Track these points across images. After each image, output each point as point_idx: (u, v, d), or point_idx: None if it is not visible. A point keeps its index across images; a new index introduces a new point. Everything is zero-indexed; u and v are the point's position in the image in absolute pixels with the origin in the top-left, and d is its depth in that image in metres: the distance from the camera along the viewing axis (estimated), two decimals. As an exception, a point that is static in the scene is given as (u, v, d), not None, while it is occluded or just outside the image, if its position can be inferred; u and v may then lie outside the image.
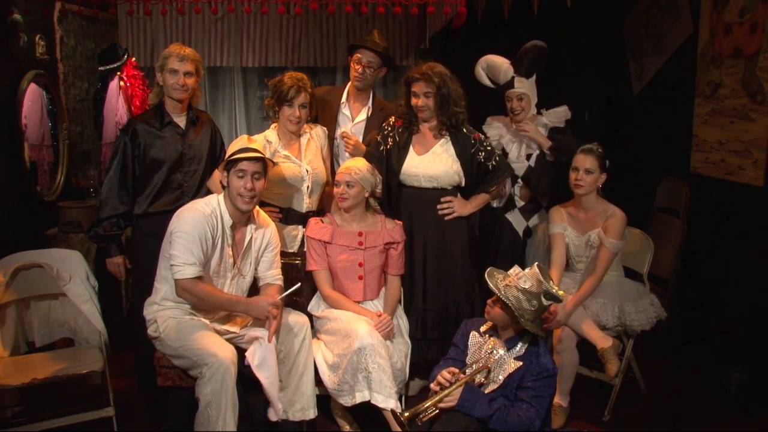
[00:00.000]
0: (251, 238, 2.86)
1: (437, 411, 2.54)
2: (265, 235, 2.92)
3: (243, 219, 2.83)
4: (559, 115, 3.53)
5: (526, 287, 2.54)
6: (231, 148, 2.84)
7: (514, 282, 2.56)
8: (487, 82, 3.59)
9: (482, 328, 2.72)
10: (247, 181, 2.71)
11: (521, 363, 2.55)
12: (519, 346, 2.59)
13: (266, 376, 2.68)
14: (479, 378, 2.61)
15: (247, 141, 2.86)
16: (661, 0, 4.65)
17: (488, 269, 2.64)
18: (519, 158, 3.52)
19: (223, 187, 2.80)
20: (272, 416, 2.77)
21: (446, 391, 2.52)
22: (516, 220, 3.57)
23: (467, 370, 2.63)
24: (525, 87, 3.47)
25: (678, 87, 4.43)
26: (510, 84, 3.47)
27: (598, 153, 3.20)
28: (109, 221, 3.05)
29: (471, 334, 2.74)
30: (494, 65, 3.53)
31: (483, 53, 3.61)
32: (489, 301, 2.65)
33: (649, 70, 4.83)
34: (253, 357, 2.69)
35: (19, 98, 3.64)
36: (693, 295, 4.19)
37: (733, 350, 3.74)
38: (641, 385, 3.48)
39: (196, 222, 2.67)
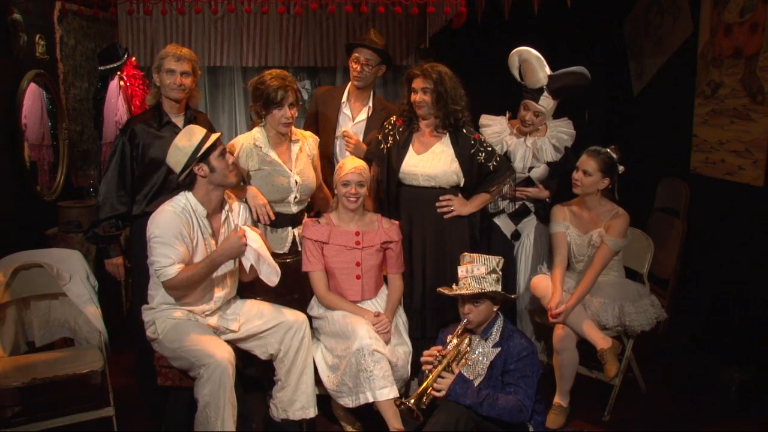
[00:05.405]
0: (227, 219, 2.87)
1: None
2: (237, 208, 2.93)
3: (216, 205, 2.82)
4: (563, 138, 3.46)
5: (482, 272, 2.77)
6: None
7: (470, 276, 2.78)
8: (515, 73, 3.43)
9: (458, 331, 2.82)
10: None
11: (500, 348, 2.77)
12: (494, 332, 2.79)
13: (255, 242, 2.69)
14: (465, 370, 2.77)
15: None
16: (661, 0, 4.66)
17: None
18: (523, 168, 3.46)
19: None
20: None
21: (436, 371, 2.68)
22: (504, 224, 3.55)
23: (449, 346, 2.77)
24: (548, 107, 3.37)
25: (678, 87, 4.43)
26: (535, 94, 3.34)
27: (603, 157, 3.16)
28: (108, 222, 3.04)
29: (448, 339, 2.85)
30: (531, 68, 3.32)
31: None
32: (462, 308, 2.79)
33: (649, 70, 4.83)
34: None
35: (19, 98, 3.64)
36: (693, 296, 4.19)
37: (733, 350, 3.73)
38: (641, 385, 3.48)
39: (169, 222, 2.67)
